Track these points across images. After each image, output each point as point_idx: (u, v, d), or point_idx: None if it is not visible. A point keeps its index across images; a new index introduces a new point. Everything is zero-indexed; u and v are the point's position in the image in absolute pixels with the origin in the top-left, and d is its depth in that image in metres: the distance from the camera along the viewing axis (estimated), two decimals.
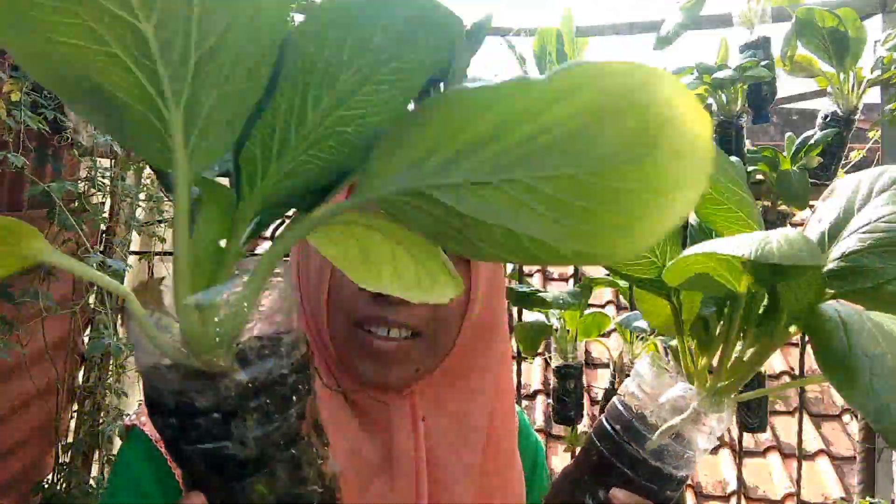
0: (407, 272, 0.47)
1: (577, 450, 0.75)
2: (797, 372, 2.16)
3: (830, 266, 0.57)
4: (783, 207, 1.78)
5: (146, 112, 0.36)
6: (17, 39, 0.33)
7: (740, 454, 2.31)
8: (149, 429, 0.66)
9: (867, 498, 1.85)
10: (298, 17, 0.41)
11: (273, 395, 0.41)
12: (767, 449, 3.14)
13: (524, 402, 3.26)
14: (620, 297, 3.70)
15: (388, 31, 0.36)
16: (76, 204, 1.69)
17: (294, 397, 0.43)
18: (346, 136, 0.40)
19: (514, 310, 1.90)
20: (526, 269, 4.20)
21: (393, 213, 0.40)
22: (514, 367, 2.28)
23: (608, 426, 0.69)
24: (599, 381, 3.48)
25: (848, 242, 0.57)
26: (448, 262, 0.47)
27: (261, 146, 0.40)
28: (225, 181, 0.43)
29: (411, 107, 0.42)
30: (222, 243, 0.43)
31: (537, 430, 3.30)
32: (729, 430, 2.88)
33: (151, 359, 0.41)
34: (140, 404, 0.73)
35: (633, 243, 0.34)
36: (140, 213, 2.12)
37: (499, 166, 0.34)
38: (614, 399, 0.71)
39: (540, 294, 1.67)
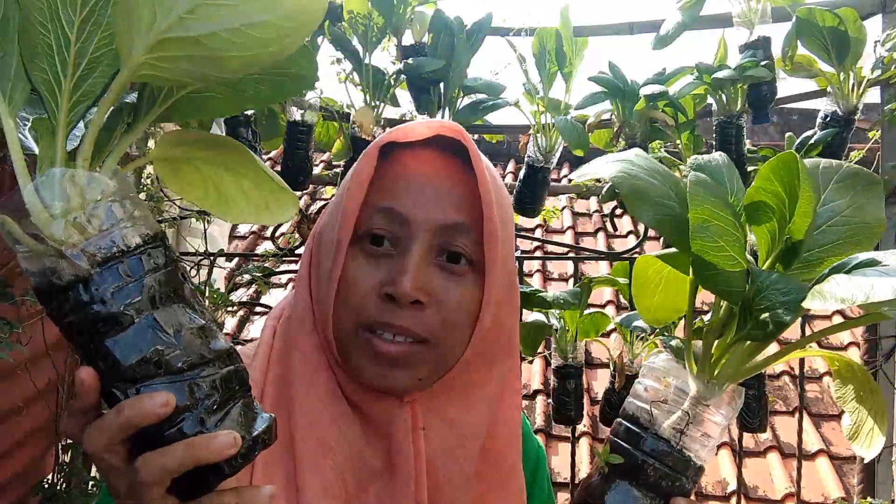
0: (257, 199, 0.56)
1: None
2: (797, 372, 2.16)
3: None
4: None
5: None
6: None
7: (740, 454, 2.32)
8: None
9: (867, 498, 1.85)
10: None
11: (121, 262, 0.49)
12: (767, 449, 3.14)
13: (524, 402, 3.27)
14: (620, 297, 3.70)
15: None
16: None
17: (147, 266, 0.50)
18: (89, 52, 0.50)
19: None
20: (526, 268, 4.21)
21: (153, 74, 0.49)
22: None
23: (627, 424, 0.72)
24: (599, 381, 3.48)
25: None
26: (279, 178, 0.56)
27: (51, 74, 0.50)
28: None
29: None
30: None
31: (537, 431, 3.30)
32: (729, 430, 2.88)
33: (26, 261, 0.49)
34: None
35: None
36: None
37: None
38: (629, 400, 0.74)
39: (540, 294, 1.67)
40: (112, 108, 0.53)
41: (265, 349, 0.72)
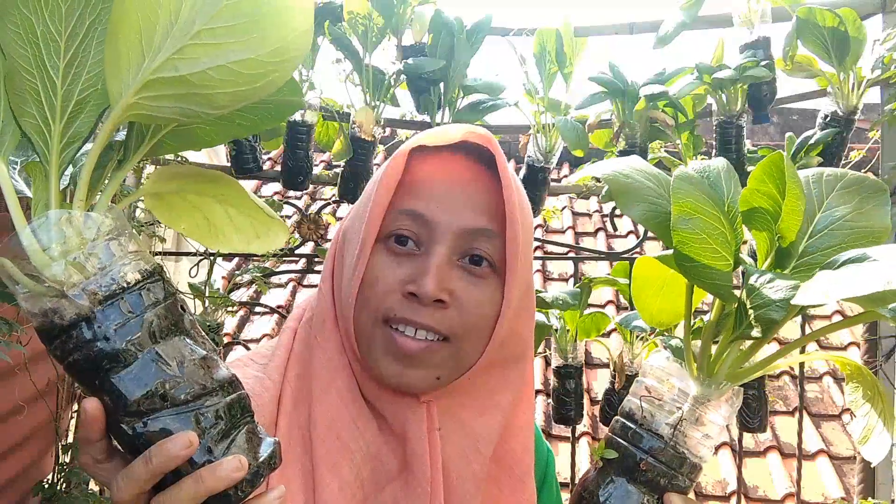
0: (245, 228, 0.58)
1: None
2: (797, 372, 2.16)
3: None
4: None
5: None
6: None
7: (740, 454, 2.32)
8: None
9: (867, 498, 1.85)
10: None
11: (122, 299, 0.50)
12: (767, 449, 3.14)
13: None
14: (620, 297, 3.70)
15: None
16: None
17: (147, 301, 0.51)
18: (76, 94, 0.51)
19: None
20: None
21: (142, 114, 0.50)
22: None
23: (626, 422, 0.73)
24: (599, 381, 3.48)
25: None
26: (269, 209, 0.57)
27: (40, 119, 0.51)
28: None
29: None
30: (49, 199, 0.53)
31: None
32: (729, 430, 2.88)
33: (28, 302, 0.50)
34: None
35: (291, 27, 0.49)
36: (140, 213, 2.12)
37: (184, 33, 0.47)
38: (628, 398, 0.75)
39: (540, 294, 1.67)
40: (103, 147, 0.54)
41: (284, 349, 0.73)
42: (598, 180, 2.10)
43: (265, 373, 0.71)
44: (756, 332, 0.67)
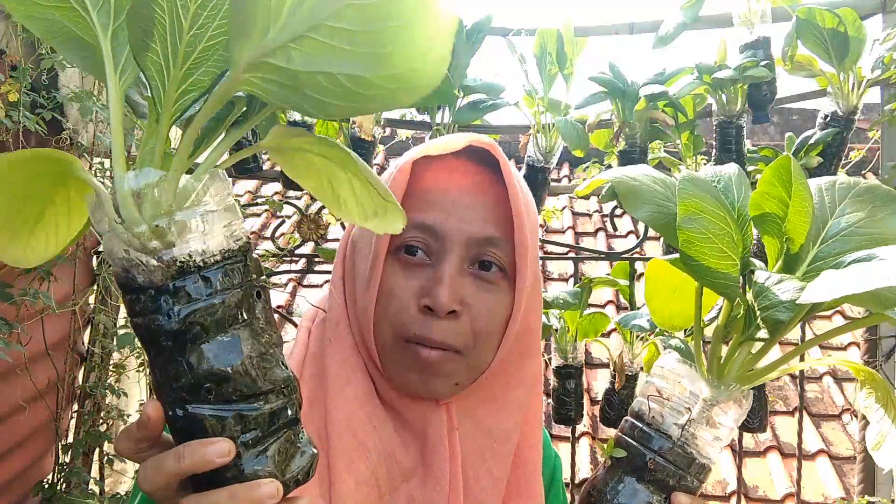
0: (366, 202, 0.53)
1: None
2: (797, 372, 2.16)
3: None
4: None
5: (91, 43, 0.47)
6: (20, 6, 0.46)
7: (740, 454, 2.32)
8: None
9: (867, 498, 1.85)
10: None
11: (195, 277, 0.47)
12: (767, 449, 3.14)
13: None
14: (620, 297, 3.70)
15: None
16: None
17: (219, 285, 0.48)
18: (202, 40, 0.47)
19: None
20: None
21: (253, 91, 0.46)
22: None
23: (635, 422, 0.73)
24: (599, 381, 3.48)
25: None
26: (390, 194, 0.53)
27: (162, 58, 0.47)
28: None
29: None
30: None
31: None
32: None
33: (112, 245, 0.48)
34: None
35: (421, 53, 0.41)
36: None
37: (306, 20, 0.41)
38: (637, 398, 0.75)
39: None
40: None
41: (301, 348, 0.74)
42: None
43: None
44: (763, 334, 0.67)
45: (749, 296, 0.68)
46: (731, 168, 0.76)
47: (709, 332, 0.78)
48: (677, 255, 0.72)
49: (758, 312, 0.65)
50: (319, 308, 0.78)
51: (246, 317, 0.50)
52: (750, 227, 0.71)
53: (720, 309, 0.74)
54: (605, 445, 0.74)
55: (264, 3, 0.41)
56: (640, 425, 0.72)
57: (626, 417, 0.75)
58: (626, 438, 0.73)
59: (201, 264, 0.48)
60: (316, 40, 0.41)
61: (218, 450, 0.47)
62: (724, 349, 0.73)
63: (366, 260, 0.70)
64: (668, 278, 0.81)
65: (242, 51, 0.44)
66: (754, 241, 0.74)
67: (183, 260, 0.47)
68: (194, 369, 0.47)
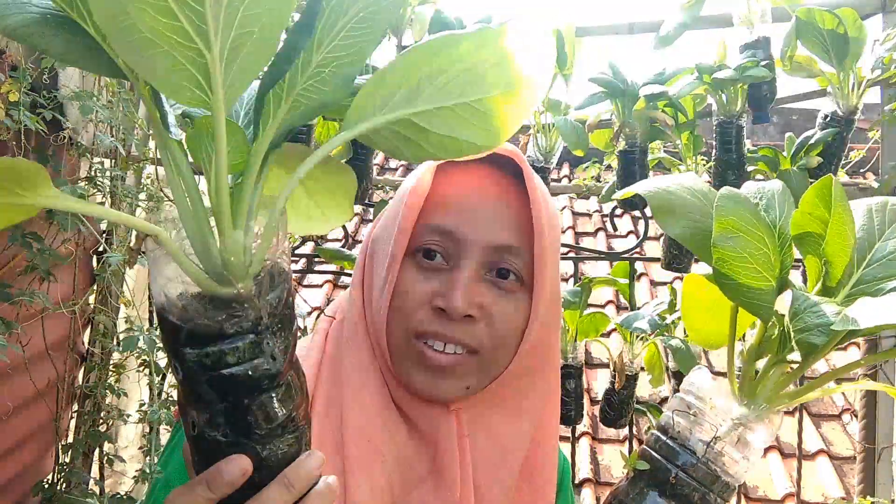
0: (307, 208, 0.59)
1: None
2: None
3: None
4: None
5: (187, 55, 0.42)
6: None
7: None
8: None
9: (867, 498, 1.85)
10: None
11: (282, 317, 0.48)
12: (767, 449, 3.14)
13: None
14: (620, 297, 3.70)
15: None
16: None
17: (292, 320, 0.50)
18: (326, 77, 0.50)
19: None
20: None
21: (373, 139, 0.53)
22: None
23: (661, 436, 0.72)
24: (599, 381, 3.48)
25: None
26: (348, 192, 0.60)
27: (276, 87, 0.48)
28: None
29: None
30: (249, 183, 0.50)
31: None
32: None
33: (178, 288, 0.46)
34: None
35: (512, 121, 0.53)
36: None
37: (451, 92, 0.51)
38: (665, 413, 0.74)
39: None
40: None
41: (318, 351, 0.74)
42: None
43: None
44: (796, 356, 0.66)
45: (785, 316, 0.67)
46: (776, 185, 0.74)
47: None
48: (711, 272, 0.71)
49: (792, 335, 0.64)
50: (333, 317, 0.78)
51: (292, 362, 0.51)
52: (791, 247, 0.69)
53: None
54: (630, 456, 0.73)
55: (412, 61, 0.51)
56: (665, 439, 0.71)
57: (651, 430, 0.75)
58: (651, 451, 0.72)
59: (286, 302, 0.49)
60: (455, 112, 0.52)
61: (238, 469, 0.46)
62: (757, 368, 0.71)
63: (383, 262, 0.70)
64: (703, 295, 0.79)
65: (376, 106, 0.51)
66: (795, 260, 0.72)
67: (275, 300, 0.48)
68: (280, 411, 0.48)
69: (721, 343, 0.81)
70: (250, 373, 0.46)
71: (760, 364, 0.72)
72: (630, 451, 0.74)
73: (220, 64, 0.42)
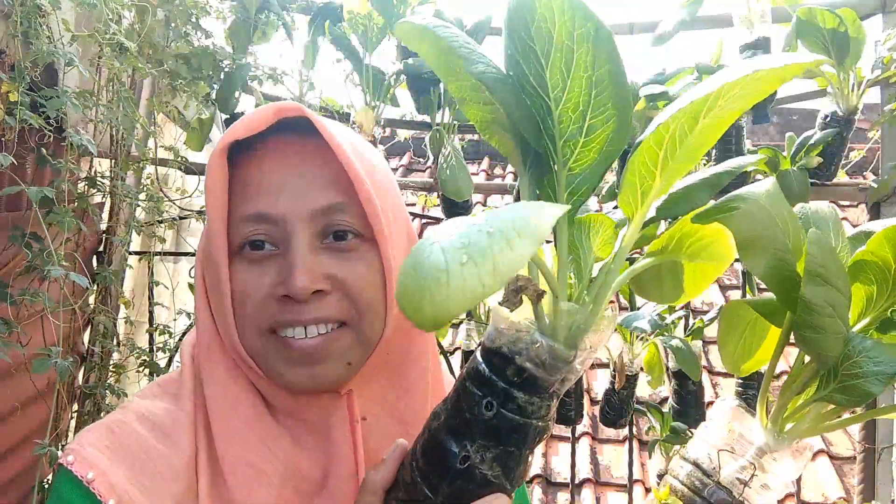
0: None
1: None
2: None
3: None
4: None
5: (549, 163, 0.56)
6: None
7: None
8: (76, 467, 0.61)
9: (867, 498, 1.85)
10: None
11: (560, 390, 0.55)
12: None
13: None
14: (620, 297, 3.70)
15: None
16: (76, 204, 1.68)
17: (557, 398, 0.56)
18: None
19: None
20: None
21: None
22: None
23: (690, 468, 0.71)
24: (599, 381, 3.48)
25: None
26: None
27: (640, 181, 0.54)
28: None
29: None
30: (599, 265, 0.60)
31: None
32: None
33: (546, 346, 0.53)
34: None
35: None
36: (140, 213, 2.12)
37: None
38: (692, 442, 0.74)
39: None
40: None
41: (190, 375, 0.69)
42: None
43: (178, 404, 0.67)
44: (846, 399, 0.63)
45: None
46: (823, 206, 0.73)
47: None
48: (762, 298, 0.70)
49: (841, 376, 0.62)
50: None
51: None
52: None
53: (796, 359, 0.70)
54: (662, 493, 0.71)
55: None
56: (694, 471, 0.70)
57: (680, 460, 0.72)
58: (680, 483, 0.70)
59: (565, 378, 0.55)
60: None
61: None
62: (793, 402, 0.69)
63: (214, 269, 0.65)
64: (739, 319, 0.77)
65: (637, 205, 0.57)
66: None
67: (569, 375, 0.55)
68: (521, 464, 0.55)
69: (751, 368, 0.79)
70: (543, 428, 0.55)
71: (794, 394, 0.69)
72: (630, 452, 0.74)
73: (563, 174, 0.56)
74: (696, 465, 0.71)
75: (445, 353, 2.76)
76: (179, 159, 2.00)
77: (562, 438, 3.21)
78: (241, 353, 0.65)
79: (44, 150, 1.47)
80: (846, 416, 0.70)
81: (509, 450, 0.53)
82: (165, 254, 2.23)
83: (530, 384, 0.52)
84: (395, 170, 4.97)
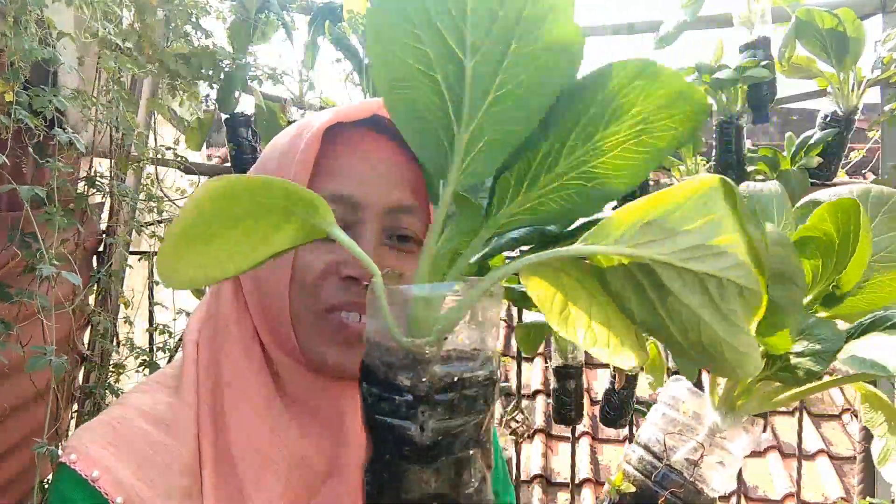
0: (600, 334, 0.52)
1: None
2: None
3: None
4: None
5: (440, 131, 0.45)
6: (383, 68, 0.43)
7: None
8: (80, 466, 0.60)
9: (867, 498, 1.85)
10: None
11: (458, 397, 0.46)
12: (767, 449, 3.14)
13: (524, 402, 3.26)
14: None
15: (649, 100, 0.44)
16: (73, 204, 1.68)
17: (474, 408, 0.46)
18: (584, 189, 0.47)
19: (514, 310, 1.90)
20: None
21: (606, 270, 0.46)
22: (515, 367, 2.28)
23: (644, 455, 0.71)
24: (599, 381, 3.48)
25: None
26: (638, 332, 0.50)
27: (516, 177, 0.47)
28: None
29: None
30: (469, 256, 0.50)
31: (537, 431, 3.30)
32: None
33: (381, 331, 0.46)
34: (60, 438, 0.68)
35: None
36: (142, 214, 2.12)
37: (702, 260, 0.43)
38: (643, 426, 0.73)
39: None
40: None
41: (192, 363, 0.68)
42: None
43: (178, 397, 0.66)
44: (791, 378, 0.63)
45: None
46: (773, 186, 0.72)
47: None
48: None
49: (784, 356, 0.61)
50: (203, 316, 0.72)
51: (477, 446, 0.47)
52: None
53: None
54: (615, 479, 0.71)
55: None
56: (645, 456, 0.70)
57: (631, 446, 0.73)
58: (632, 469, 0.70)
59: (466, 383, 0.46)
60: (702, 281, 0.44)
61: None
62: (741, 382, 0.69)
63: None
64: None
65: (621, 234, 0.46)
66: None
67: (454, 376, 0.46)
68: (434, 485, 0.45)
69: None
70: (396, 430, 0.46)
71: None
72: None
73: (463, 141, 0.45)
74: (647, 448, 0.71)
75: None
76: (179, 159, 2.00)
77: (562, 438, 3.21)
78: (283, 323, 0.64)
79: (34, 150, 1.46)
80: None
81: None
82: None
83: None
84: None
